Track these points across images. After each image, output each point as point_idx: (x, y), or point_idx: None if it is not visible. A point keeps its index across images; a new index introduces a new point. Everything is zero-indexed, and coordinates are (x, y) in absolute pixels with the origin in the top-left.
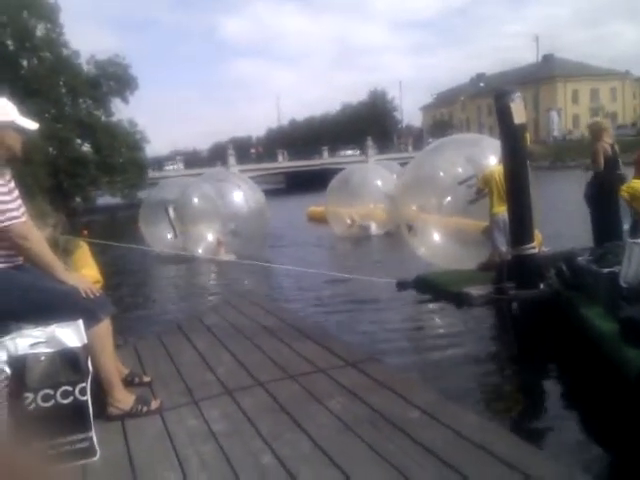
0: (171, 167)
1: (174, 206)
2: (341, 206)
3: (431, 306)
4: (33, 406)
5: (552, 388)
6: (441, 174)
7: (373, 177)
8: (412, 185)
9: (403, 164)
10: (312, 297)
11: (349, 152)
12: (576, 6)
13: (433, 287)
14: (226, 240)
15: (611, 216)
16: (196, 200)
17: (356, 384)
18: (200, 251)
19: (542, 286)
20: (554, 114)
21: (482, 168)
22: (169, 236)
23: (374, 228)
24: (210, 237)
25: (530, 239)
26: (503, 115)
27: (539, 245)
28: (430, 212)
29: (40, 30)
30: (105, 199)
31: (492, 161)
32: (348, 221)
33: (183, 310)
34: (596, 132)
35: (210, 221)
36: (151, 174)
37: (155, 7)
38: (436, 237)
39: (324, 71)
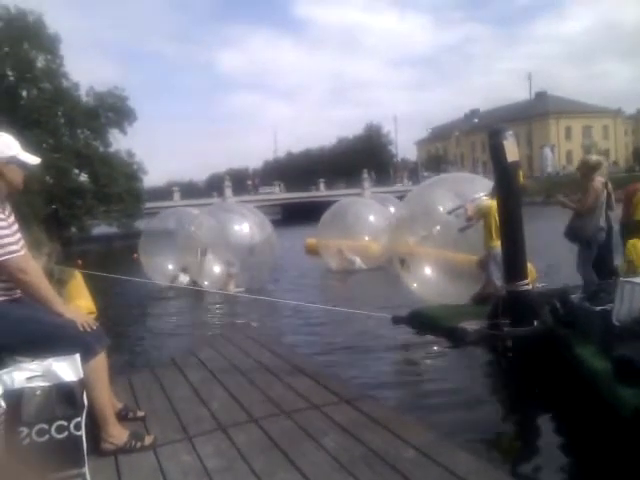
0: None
1: (206, 249)
2: (333, 239)
3: (425, 341)
4: (27, 441)
5: (546, 427)
6: (433, 209)
7: (366, 211)
8: (405, 220)
9: (399, 197)
10: (308, 331)
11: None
12: (568, 45)
13: (428, 322)
14: (236, 273)
15: (604, 254)
16: (203, 232)
17: (351, 421)
18: (206, 283)
19: (536, 323)
20: (548, 150)
21: (470, 199)
22: (170, 267)
23: (359, 262)
24: (217, 269)
25: (524, 275)
26: (496, 153)
27: (534, 281)
28: (422, 245)
29: (40, 61)
30: (101, 228)
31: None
32: (339, 254)
33: (179, 344)
34: (589, 171)
35: (218, 253)
36: (148, 204)
37: (154, 40)
38: (428, 272)
39: (320, 105)
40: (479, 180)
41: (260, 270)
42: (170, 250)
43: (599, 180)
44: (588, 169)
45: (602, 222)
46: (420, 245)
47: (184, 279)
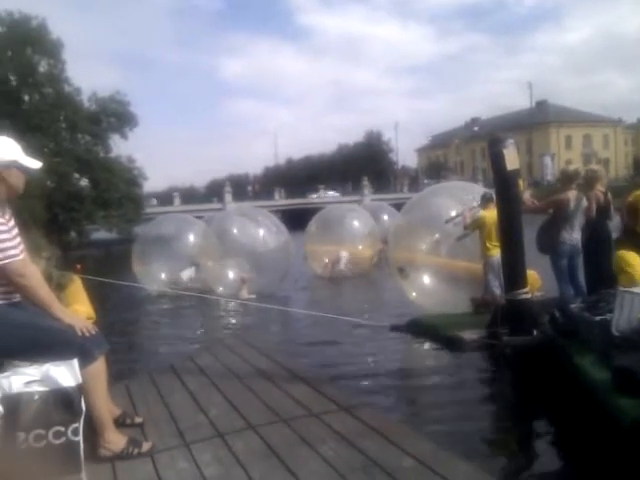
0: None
1: (195, 267)
2: (320, 245)
3: (424, 350)
4: (25, 446)
5: (545, 437)
6: (434, 217)
7: (350, 217)
8: (405, 228)
9: (399, 204)
10: (307, 338)
11: (330, 193)
12: (569, 55)
13: (426, 330)
14: (250, 278)
15: (604, 263)
16: (217, 237)
17: (349, 430)
18: (221, 289)
19: (535, 332)
20: (548, 159)
21: (469, 207)
22: (162, 275)
23: (344, 268)
24: (231, 275)
25: (523, 284)
26: (496, 161)
27: (539, 289)
28: (423, 253)
29: (43, 66)
30: (100, 233)
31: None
32: (326, 260)
33: (177, 350)
34: (591, 180)
35: (231, 258)
36: (149, 209)
37: (157, 46)
38: (428, 280)
39: (321, 112)
40: (478, 189)
41: (274, 276)
42: (164, 258)
43: (572, 192)
44: (566, 179)
45: (572, 234)
46: (423, 252)
47: (188, 273)
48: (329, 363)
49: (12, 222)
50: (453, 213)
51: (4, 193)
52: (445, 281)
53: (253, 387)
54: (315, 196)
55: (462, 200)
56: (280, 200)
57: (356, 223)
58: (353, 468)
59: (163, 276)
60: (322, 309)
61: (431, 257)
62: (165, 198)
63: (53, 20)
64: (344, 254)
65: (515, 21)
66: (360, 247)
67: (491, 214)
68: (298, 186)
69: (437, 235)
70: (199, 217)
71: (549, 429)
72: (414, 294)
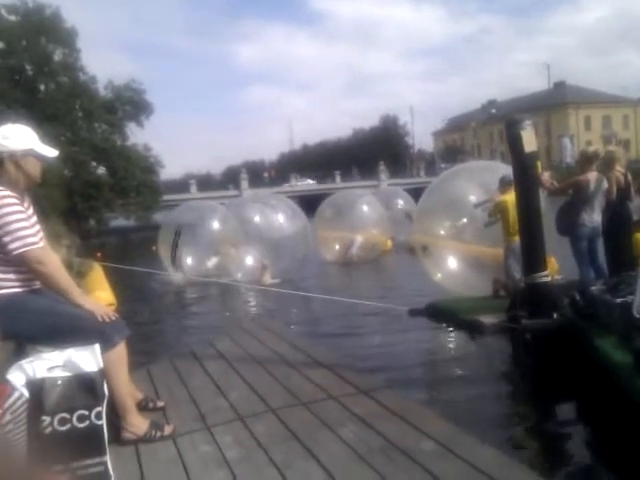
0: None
1: (179, 230)
2: (331, 231)
3: (443, 334)
4: (50, 429)
5: (567, 420)
6: (457, 199)
7: (361, 203)
8: (429, 209)
9: (416, 189)
10: (327, 323)
11: (307, 181)
12: (586, 35)
13: (445, 315)
14: (268, 264)
15: (624, 245)
16: (237, 223)
17: (369, 413)
18: (240, 275)
19: (555, 315)
20: (566, 140)
21: (495, 192)
22: (189, 261)
23: (356, 247)
24: (250, 261)
25: (543, 267)
26: (514, 143)
27: (555, 273)
28: (447, 237)
29: (58, 55)
30: (119, 221)
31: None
32: (337, 246)
33: (197, 335)
34: (609, 161)
35: (250, 245)
36: (165, 196)
37: (171, 34)
38: (451, 263)
39: (336, 97)
40: (502, 168)
41: (292, 260)
42: (189, 243)
43: (591, 173)
44: (585, 160)
45: (592, 215)
46: (446, 236)
47: (214, 260)
48: (348, 347)
49: (31, 210)
50: (482, 198)
51: (22, 181)
52: (469, 264)
53: (272, 371)
54: (287, 185)
55: (487, 181)
56: (295, 186)
57: (366, 208)
58: (373, 450)
59: (189, 261)
60: (339, 294)
61: (455, 242)
62: (182, 185)
63: (67, 9)
64: (359, 238)
65: (530, 2)
66: (373, 232)
67: (512, 198)
68: (314, 171)
69: (464, 220)
70: (222, 203)
71: (570, 412)
72: (439, 275)
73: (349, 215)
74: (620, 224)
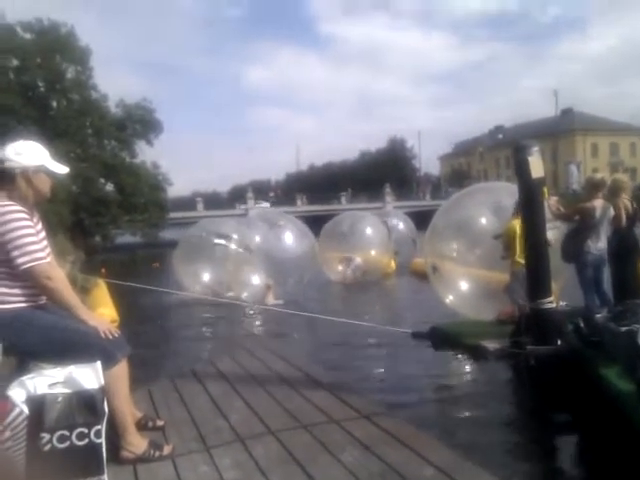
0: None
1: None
2: (332, 252)
3: (446, 358)
4: (49, 447)
5: (570, 448)
6: (471, 223)
7: (363, 224)
8: (440, 231)
9: (421, 212)
10: (329, 344)
11: (263, 204)
12: (594, 64)
13: (449, 339)
14: (275, 284)
15: (631, 273)
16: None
17: (370, 437)
18: (245, 295)
19: (559, 342)
20: (573, 167)
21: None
22: (205, 277)
23: (352, 268)
24: (256, 281)
25: (547, 293)
26: (521, 169)
27: (555, 298)
28: (458, 261)
29: (70, 72)
30: (125, 237)
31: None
32: (339, 267)
33: (199, 353)
34: (616, 189)
35: (256, 264)
36: (172, 214)
37: (183, 55)
38: (462, 286)
39: (344, 120)
40: (514, 188)
41: (300, 281)
42: (205, 260)
43: (597, 201)
44: (592, 187)
45: (598, 243)
46: (457, 260)
47: (220, 242)
48: (351, 370)
49: (40, 225)
50: (499, 231)
51: (32, 197)
52: (479, 288)
53: (273, 392)
54: (243, 207)
55: (500, 203)
56: (302, 206)
57: (368, 230)
58: (373, 476)
59: (206, 277)
60: (342, 315)
61: (466, 267)
62: (189, 203)
63: (82, 27)
64: (357, 260)
65: (539, 30)
66: (373, 253)
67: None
68: (320, 192)
69: (477, 251)
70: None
71: (574, 440)
72: (450, 297)
73: (352, 236)
74: (626, 251)
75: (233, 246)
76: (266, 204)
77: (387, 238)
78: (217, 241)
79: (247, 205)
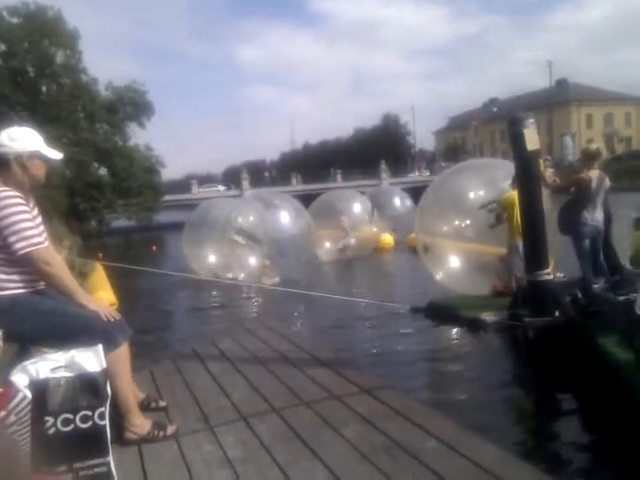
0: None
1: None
2: (321, 229)
3: (445, 332)
4: (53, 430)
5: (569, 417)
6: (461, 198)
7: (350, 202)
8: (431, 208)
9: (416, 188)
10: (329, 322)
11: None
12: (588, 33)
13: (447, 313)
14: (272, 264)
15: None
16: (240, 222)
17: (372, 412)
18: (242, 276)
19: (557, 313)
20: (568, 139)
21: (502, 192)
22: (212, 258)
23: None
24: (253, 261)
25: (545, 265)
26: (516, 142)
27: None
28: (449, 236)
29: (60, 57)
30: (120, 222)
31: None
32: (327, 245)
33: (200, 334)
34: (588, 158)
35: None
36: (167, 197)
37: (174, 37)
38: (453, 262)
39: (337, 97)
40: (507, 165)
41: (297, 260)
42: (212, 241)
43: (593, 171)
44: (587, 158)
45: (594, 214)
46: (449, 236)
47: (238, 239)
48: (351, 346)
49: (36, 211)
50: (486, 198)
51: (27, 183)
52: (471, 263)
53: (275, 370)
54: (197, 191)
55: (492, 179)
56: (297, 185)
57: (356, 207)
58: (376, 450)
59: (212, 258)
60: (340, 292)
61: (457, 242)
62: (183, 185)
63: (70, 11)
64: (346, 237)
65: (533, 1)
66: (362, 230)
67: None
68: (315, 171)
69: (468, 222)
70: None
71: (572, 410)
72: (440, 274)
73: (338, 214)
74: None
75: (244, 242)
76: (222, 187)
77: (371, 214)
78: (235, 237)
79: (242, 186)
